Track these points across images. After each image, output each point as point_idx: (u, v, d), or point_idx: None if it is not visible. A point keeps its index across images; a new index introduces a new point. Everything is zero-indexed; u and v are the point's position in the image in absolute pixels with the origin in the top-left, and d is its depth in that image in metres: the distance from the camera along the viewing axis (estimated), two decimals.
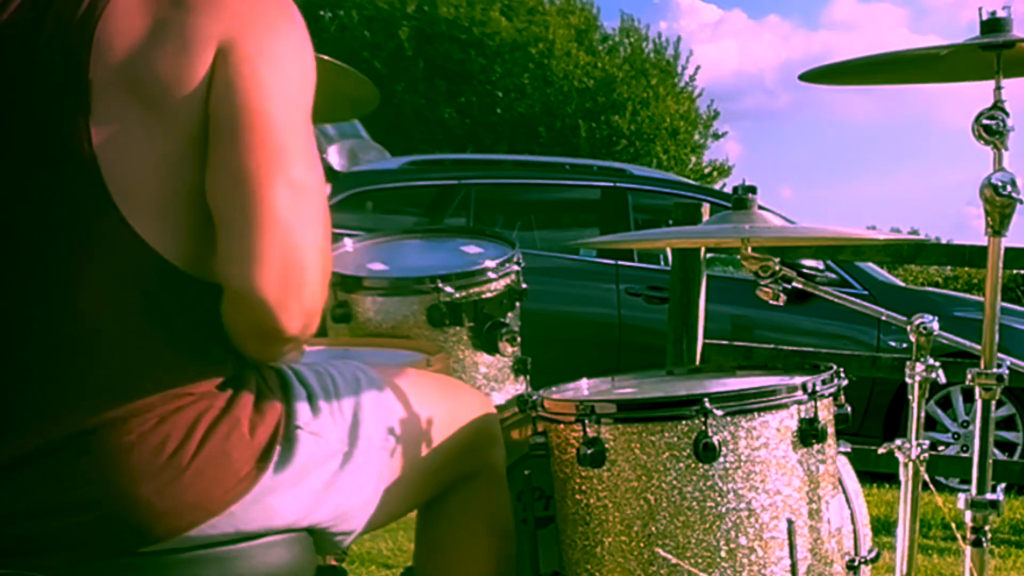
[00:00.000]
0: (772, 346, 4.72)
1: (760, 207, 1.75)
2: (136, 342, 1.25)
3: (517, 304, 2.02)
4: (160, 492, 1.23)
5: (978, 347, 1.63)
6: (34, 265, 1.25)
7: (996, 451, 4.95)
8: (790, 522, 1.49)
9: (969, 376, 1.62)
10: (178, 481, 1.23)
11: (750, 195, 1.74)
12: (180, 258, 1.26)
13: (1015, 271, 8.81)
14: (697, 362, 4.09)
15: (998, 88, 1.55)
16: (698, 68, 20.56)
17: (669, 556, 1.45)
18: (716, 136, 21.41)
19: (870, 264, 6.04)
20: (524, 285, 2.04)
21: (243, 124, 1.24)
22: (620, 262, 5.90)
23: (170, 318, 1.26)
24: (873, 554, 1.74)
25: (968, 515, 1.61)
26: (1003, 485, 1.64)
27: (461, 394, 1.65)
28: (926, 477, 1.69)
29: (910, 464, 1.66)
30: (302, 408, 1.36)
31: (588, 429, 1.50)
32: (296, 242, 1.24)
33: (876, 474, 4.92)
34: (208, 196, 1.25)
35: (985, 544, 1.61)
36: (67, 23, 1.26)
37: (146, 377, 1.24)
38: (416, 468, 1.50)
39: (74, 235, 1.24)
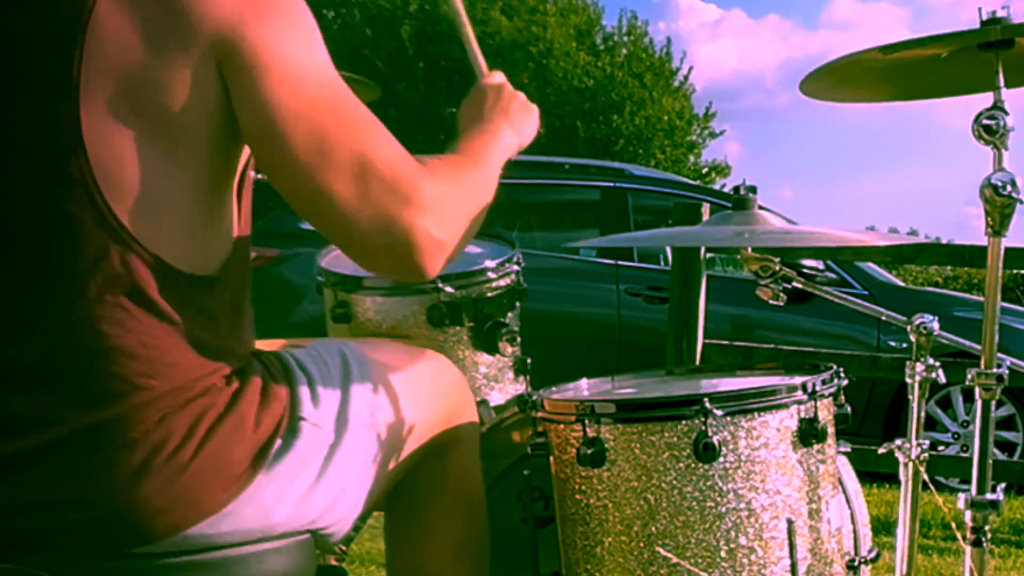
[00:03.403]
0: (772, 346, 4.71)
1: (760, 207, 1.75)
2: (136, 340, 1.24)
3: (517, 304, 2.02)
4: (159, 490, 1.23)
5: (978, 347, 1.63)
6: (32, 264, 1.24)
7: (996, 451, 4.95)
8: (790, 522, 1.49)
9: (969, 376, 1.62)
10: (177, 480, 1.23)
11: (750, 195, 1.74)
12: (176, 257, 1.26)
13: (1015, 271, 8.81)
14: (697, 362, 4.09)
15: (998, 88, 1.55)
16: (691, 68, 20.63)
17: (670, 556, 1.45)
18: (713, 134, 21.42)
19: (870, 264, 6.05)
20: (524, 285, 2.04)
21: (284, 129, 1.26)
22: (620, 262, 5.90)
23: (168, 316, 1.26)
24: (873, 554, 1.74)
25: (968, 515, 1.61)
26: (1003, 485, 1.64)
27: (436, 365, 1.66)
28: (926, 477, 1.69)
29: (910, 464, 1.67)
30: (305, 397, 1.37)
31: (588, 429, 1.50)
32: (383, 206, 1.29)
33: (876, 474, 4.92)
34: (276, 188, 1.31)
35: (985, 544, 1.61)
36: (54, 18, 1.24)
37: (148, 375, 1.24)
38: (400, 440, 1.51)
39: (68, 233, 1.23)
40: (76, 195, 1.22)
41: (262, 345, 1.48)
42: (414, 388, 1.54)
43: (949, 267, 15.29)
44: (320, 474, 1.37)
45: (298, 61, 1.29)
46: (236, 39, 1.25)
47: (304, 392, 1.37)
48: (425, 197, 1.31)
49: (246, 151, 1.35)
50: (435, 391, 1.59)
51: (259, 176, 1.41)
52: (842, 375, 1.62)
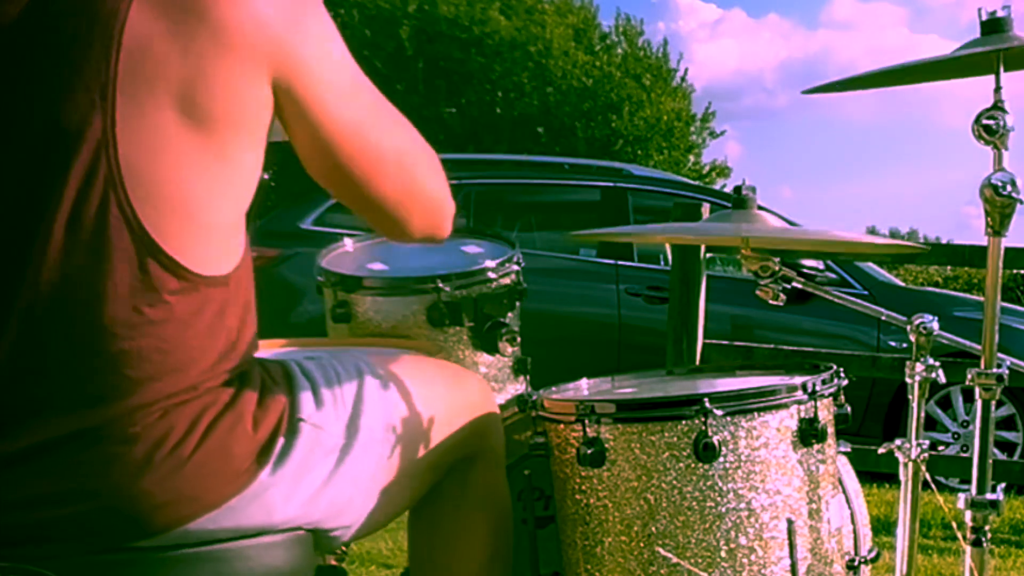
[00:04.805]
0: (772, 346, 4.72)
1: (760, 207, 1.75)
2: (149, 344, 1.24)
3: (517, 304, 2.02)
4: (160, 484, 1.23)
5: (978, 347, 1.63)
6: (47, 260, 1.23)
7: (996, 451, 4.95)
8: (790, 522, 1.49)
9: (969, 376, 1.62)
10: (178, 474, 1.24)
11: (750, 195, 1.74)
12: (196, 260, 1.26)
13: (1015, 271, 8.81)
14: (697, 362, 4.09)
15: (998, 89, 1.55)
16: (687, 69, 20.63)
17: (670, 556, 1.45)
18: (714, 134, 21.43)
19: (870, 264, 6.06)
20: (524, 285, 2.04)
21: (337, 141, 1.37)
22: (620, 262, 5.90)
23: (183, 321, 1.26)
24: (873, 554, 1.74)
25: (968, 515, 1.61)
26: (1003, 485, 1.64)
27: (461, 379, 1.65)
28: (927, 476, 1.69)
29: (910, 464, 1.66)
30: (306, 400, 1.36)
31: (588, 429, 1.50)
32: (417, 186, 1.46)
33: (876, 474, 4.92)
34: (326, 187, 1.43)
35: (985, 544, 1.61)
36: (93, 15, 1.23)
37: (155, 378, 1.24)
38: (416, 460, 1.50)
39: (87, 231, 1.23)
40: (102, 195, 1.22)
41: (264, 345, 1.48)
42: (437, 404, 1.53)
43: (949, 267, 15.30)
44: (329, 477, 1.37)
45: (336, 69, 1.35)
46: (280, 55, 1.28)
47: (305, 396, 1.37)
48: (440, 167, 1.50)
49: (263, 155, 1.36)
50: (459, 407, 1.58)
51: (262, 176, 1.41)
52: (842, 375, 1.62)
